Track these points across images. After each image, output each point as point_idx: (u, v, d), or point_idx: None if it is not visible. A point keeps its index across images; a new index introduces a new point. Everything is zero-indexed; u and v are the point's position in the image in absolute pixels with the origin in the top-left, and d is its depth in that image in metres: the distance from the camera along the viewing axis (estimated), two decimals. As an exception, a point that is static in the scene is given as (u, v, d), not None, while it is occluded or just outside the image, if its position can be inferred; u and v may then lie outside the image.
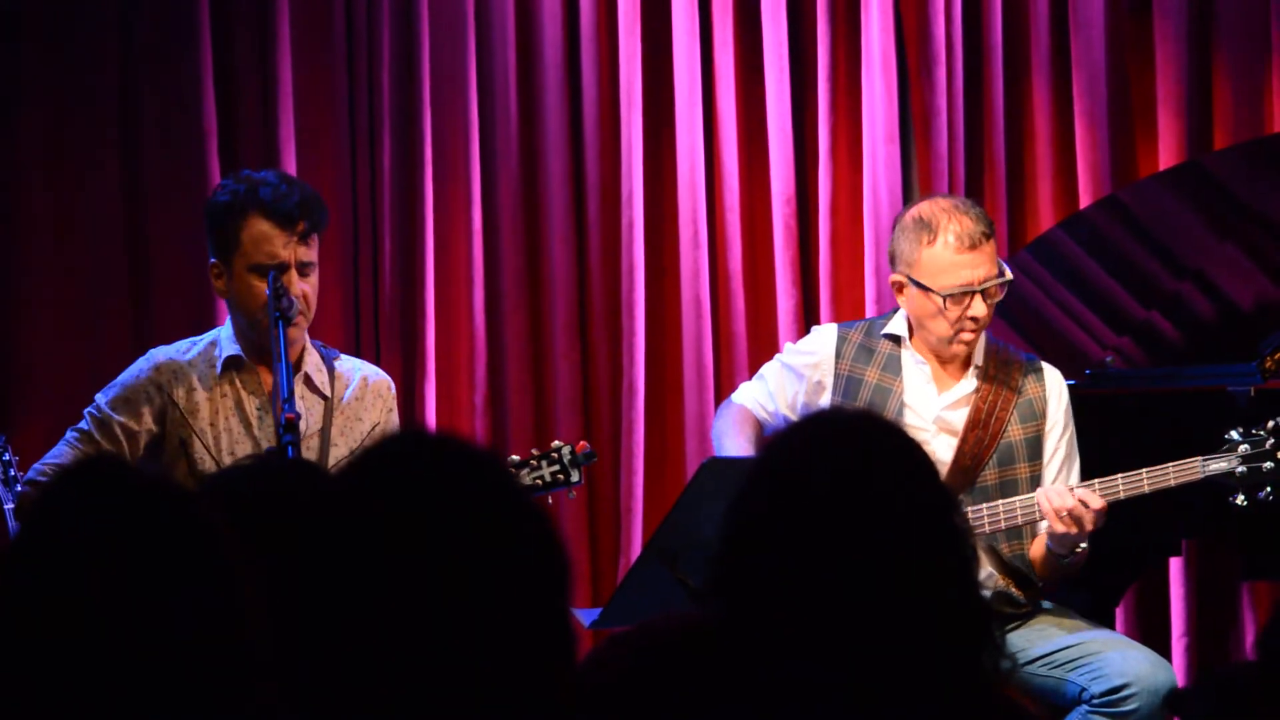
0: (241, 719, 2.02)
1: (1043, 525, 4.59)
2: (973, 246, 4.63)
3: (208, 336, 4.65)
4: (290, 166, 5.69)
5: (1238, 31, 5.90)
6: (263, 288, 4.42)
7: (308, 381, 4.58)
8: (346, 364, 4.69)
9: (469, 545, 2.03)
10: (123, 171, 5.72)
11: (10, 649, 1.97)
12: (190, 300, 5.67)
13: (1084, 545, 4.57)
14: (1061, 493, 4.53)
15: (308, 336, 4.62)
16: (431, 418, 5.80)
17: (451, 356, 5.89)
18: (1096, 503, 4.51)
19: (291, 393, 4.20)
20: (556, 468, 4.45)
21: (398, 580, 2.01)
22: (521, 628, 2.03)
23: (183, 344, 4.66)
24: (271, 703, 2.04)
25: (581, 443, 4.51)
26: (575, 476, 4.47)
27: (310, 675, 2.03)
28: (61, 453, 4.55)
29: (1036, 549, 4.68)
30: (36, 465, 4.54)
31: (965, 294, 4.64)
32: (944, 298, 4.63)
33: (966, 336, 4.69)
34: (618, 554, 5.90)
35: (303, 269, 4.49)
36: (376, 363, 5.72)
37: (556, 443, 4.49)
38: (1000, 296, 4.70)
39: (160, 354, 4.62)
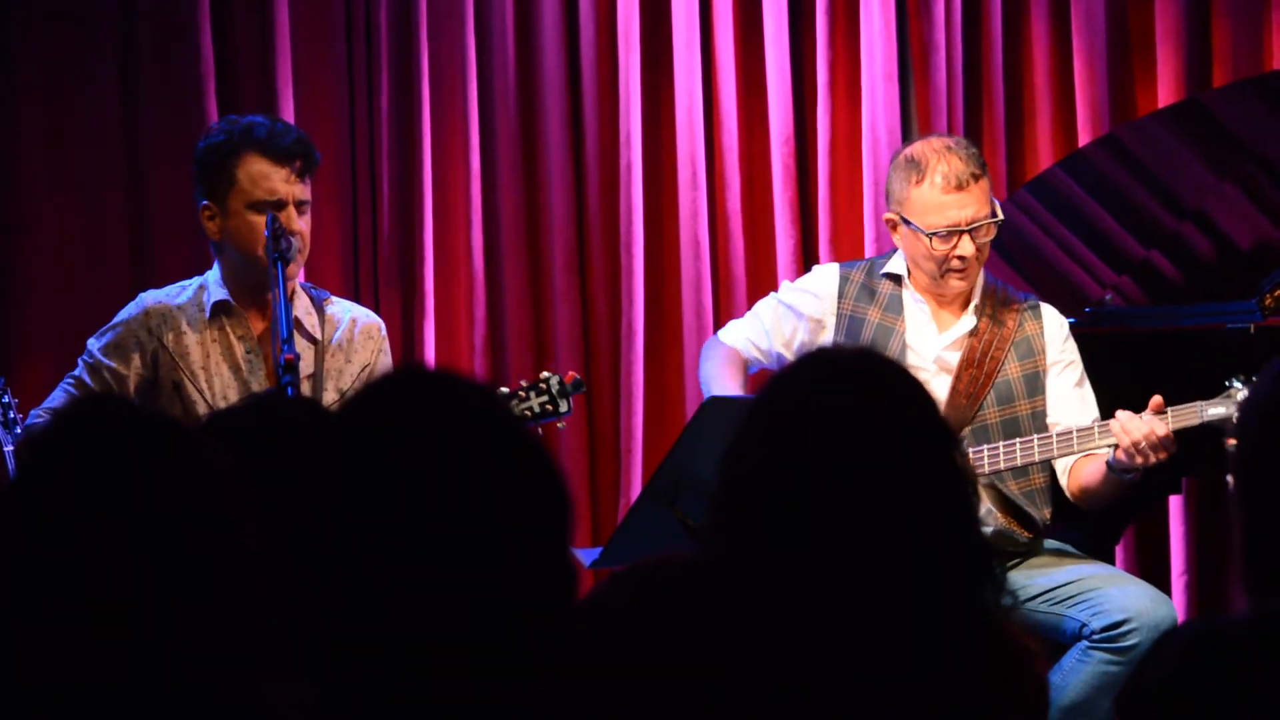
0: (241, 655, 2.03)
1: (1104, 449, 4.55)
2: (959, 187, 4.62)
3: (196, 281, 4.63)
4: (288, 107, 5.67)
5: (1237, -33, 5.87)
6: (262, 225, 4.41)
7: (297, 325, 4.55)
8: (337, 306, 4.67)
9: (471, 481, 2.03)
10: (121, 115, 5.70)
11: (8, 586, 1.97)
12: (190, 244, 5.64)
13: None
14: (1135, 423, 4.49)
15: (299, 279, 4.61)
16: (431, 359, 5.79)
17: (450, 297, 5.88)
18: (1162, 430, 4.49)
19: (291, 333, 4.19)
20: (545, 398, 4.39)
21: (398, 517, 2.01)
22: (523, 565, 2.03)
23: (173, 288, 4.65)
24: (271, 638, 2.04)
25: (570, 373, 4.46)
26: (564, 406, 4.39)
27: (309, 612, 2.04)
28: (58, 399, 4.55)
29: (1090, 475, 4.65)
30: (34, 411, 4.54)
31: (952, 233, 4.63)
32: (930, 236, 4.63)
33: (956, 276, 4.69)
34: (617, 494, 5.90)
35: (300, 206, 4.50)
36: (375, 304, 5.72)
37: (545, 373, 4.43)
38: (991, 236, 4.69)
39: (150, 297, 4.62)
